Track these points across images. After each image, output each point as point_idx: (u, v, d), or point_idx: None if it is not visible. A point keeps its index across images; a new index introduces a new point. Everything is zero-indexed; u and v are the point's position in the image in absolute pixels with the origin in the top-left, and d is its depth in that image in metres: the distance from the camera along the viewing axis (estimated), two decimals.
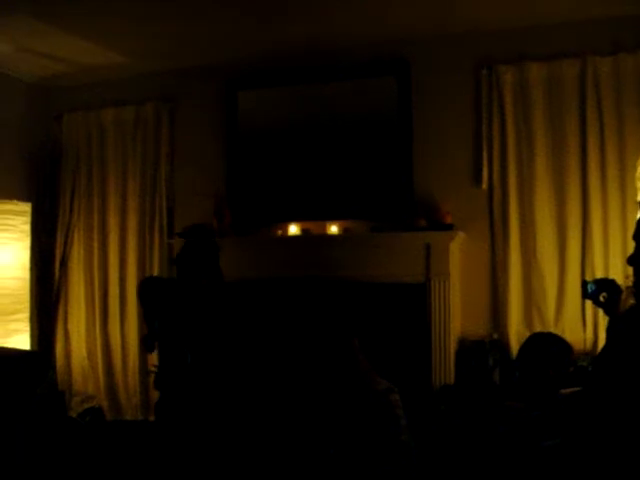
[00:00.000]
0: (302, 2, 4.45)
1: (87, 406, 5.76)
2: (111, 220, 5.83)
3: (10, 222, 5.30)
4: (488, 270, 4.86)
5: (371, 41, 5.02)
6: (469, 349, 4.75)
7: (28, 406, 4.49)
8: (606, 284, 2.92)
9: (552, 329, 4.49)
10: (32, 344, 5.52)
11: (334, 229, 5.15)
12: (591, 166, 4.56)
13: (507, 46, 4.79)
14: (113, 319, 5.81)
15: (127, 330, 5.73)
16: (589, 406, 2.04)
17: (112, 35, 4.99)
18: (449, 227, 4.75)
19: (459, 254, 4.90)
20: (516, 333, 4.68)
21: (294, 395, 4.46)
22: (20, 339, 5.30)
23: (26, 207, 5.45)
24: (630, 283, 2.18)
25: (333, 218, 5.17)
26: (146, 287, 4.25)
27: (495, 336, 4.72)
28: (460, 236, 4.81)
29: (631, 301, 2.43)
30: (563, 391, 3.12)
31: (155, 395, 5.10)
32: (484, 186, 4.84)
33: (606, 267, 4.47)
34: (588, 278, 4.19)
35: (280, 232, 5.30)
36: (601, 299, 2.90)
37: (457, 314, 4.85)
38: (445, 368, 4.73)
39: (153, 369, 4.29)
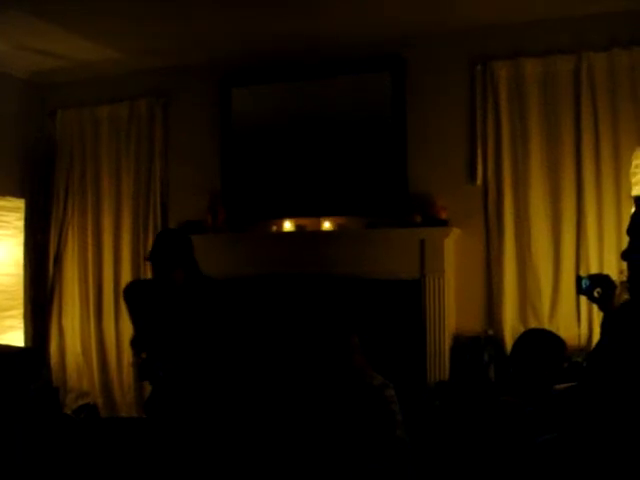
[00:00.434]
0: None
1: (82, 403, 5.76)
2: (105, 216, 5.83)
3: (4, 218, 5.31)
4: (483, 266, 4.85)
5: (366, 37, 5.01)
6: (464, 345, 4.75)
7: (22, 403, 4.48)
8: (600, 279, 2.92)
9: (547, 325, 4.50)
10: (26, 341, 5.53)
11: (328, 225, 5.14)
12: (586, 162, 4.56)
13: (502, 42, 4.79)
14: (107, 316, 5.80)
15: (122, 327, 5.71)
16: (583, 401, 2.04)
17: (107, 32, 4.97)
18: (444, 223, 4.75)
19: (454, 250, 4.90)
20: (511, 329, 4.68)
21: (289, 391, 4.46)
22: (14, 336, 5.31)
23: (20, 203, 5.45)
24: (624, 278, 2.18)
25: (328, 214, 5.17)
26: (131, 291, 4.25)
27: (490, 332, 4.72)
28: (455, 232, 4.81)
29: (625, 296, 2.43)
30: (557, 387, 3.12)
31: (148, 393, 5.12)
32: (479, 182, 4.84)
33: (601, 262, 4.48)
34: (583, 274, 4.19)
35: (275, 228, 5.29)
36: (595, 294, 2.89)
37: (452, 310, 4.85)
38: (440, 364, 4.73)
39: (134, 360, 4.29)
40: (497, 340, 4.70)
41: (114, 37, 5.09)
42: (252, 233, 5.37)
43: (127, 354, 5.70)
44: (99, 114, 5.88)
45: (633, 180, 3.86)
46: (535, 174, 4.69)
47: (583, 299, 4.24)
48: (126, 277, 5.67)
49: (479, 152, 4.83)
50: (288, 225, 5.24)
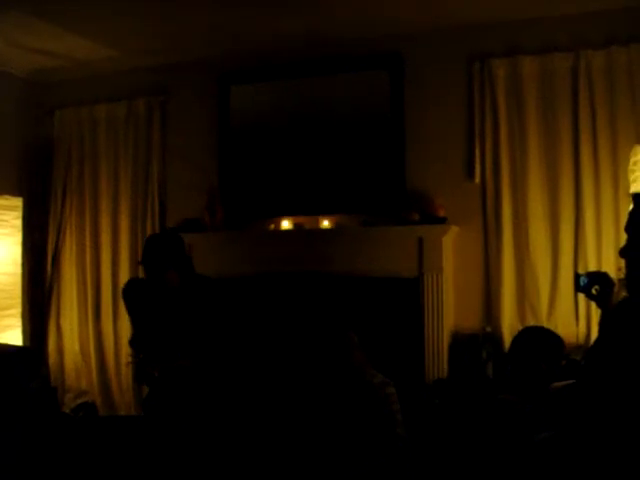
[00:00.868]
0: None
1: (80, 402, 5.74)
2: (103, 215, 5.82)
3: (2, 217, 5.32)
4: (481, 264, 4.85)
5: (364, 35, 5.01)
6: (462, 343, 4.76)
7: (21, 402, 4.48)
8: (598, 277, 2.92)
9: (545, 322, 4.50)
10: (24, 340, 5.52)
11: (326, 223, 5.14)
12: (584, 159, 4.56)
13: (499, 40, 4.79)
14: (106, 315, 5.80)
15: (120, 326, 5.71)
16: (581, 399, 2.04)
17: (105, 30, 4.97)
18: (442, 220, 4.74)
19: (452, 248, 4.90)
20: (509, 326, 4.68)
21: (289, 389, 4.46)
22: (12, 335, 5.31)
23: (18, 202, 5.45)
24: (622, 275, 2.18)
25: (325, 212, 5.16)
26: (129, 289, 4.24)
27: (488, 329, 4.72)
28: (453, 230, 4.80)
29: (623, 294, 2.43)
30: (555, 384, 3.12)
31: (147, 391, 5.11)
32: (477, 180, 4.83)
33: (599, 260, 4.47)
34: (581, 271, 4.19)
35: (272, 227, 5.29)
36: (593, 292, 2.90)
37: (450, 308, 4.85)
38: (438, 362, 4.73)
39: (130, 359, 4.28)
40: (495, 338, 4.69)
41: (112, 36, 5.09)
42: (250, 231, 5.37)
43: (125, 353, 5.68)
44: (97, 113, 5.87)
45: (631, 177, 3.86)
46: (533, 171, 4.69)
47: (581, 297, 4.25)
48: (124, 276, 5.66)
49: (477, 150, 4.83)
50: (286, 223, 5.24)
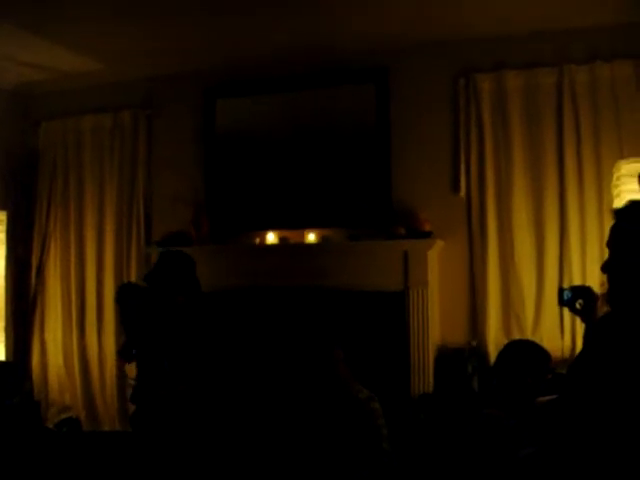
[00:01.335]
0: (281, 11, 4.45)
1: (64, 416, 5.69)
2: (88, 229, 5.79)
3: None
4: (466, 277, 4.86)
5: (350, 50, 5.02)
6: (448, 357, 4.75)
7: (3, 417, 4.44)
8: (582, 291, 2.92)
9: (530, 336, 4.50)
10: (7, 354, 5.47)
11: (312, 237, 5.13)
12: (568, 173, 4.58)
13: (485, 55, 4.82)
14: (90, 329, 5.75)
15: (104, 340, 5.68)
16: (563, 414, 2.04)
17: (91, 43, 4.97)
18: (427, 235, 4.75)
19: (438, 262, 4.90)
20: (494, 340, 4.68)
21: (275, 404, 4.44)
22: None
23: (1, 215, 5.42)
24: (605, 290, 2.19)
25: (311, 226, 5.16)
26: (124, 293, 4.20)
27: (474, 343, 4.72)
28: (438, 244, 4.81)
29: (605, 309, 2.44)
30: (540, 399, 3.12)
31: (133, 406, 5.08)
32: (462, 194, 4.85)
33: (584, 274, 4.49)
34: (566, 284, 4.21)
35: (258, 240, 5.27)
36: (577, 306, 2.90)
37: (436, 322, 4.85)
38: (424, 376, 4.72)
39: (132, 382, 4.23)
40: (481, 351, 4.70)
41: (99, 49, 5.09)
42: (235, 245, 5.35)
43: (110, 367, 5.66)
44: (83, 125, 5.85)
45: (614, 192, 3.88)
46: (518, 185, 4.71)
47: (566, 310, 4.23)
48: (109, 289, 5.64)
49: (462, 164, 4.85)
50: (272, 237, 5.22)
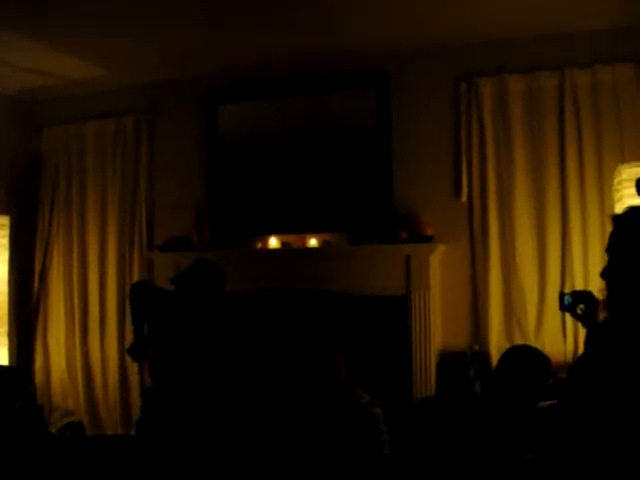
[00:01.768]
0: (283, 17, 4.45)
1: (67, 421, 5.70)
2: (90, 234, 5.81)
3: None
4: (468, 282, 4.85)
5: (351, 55, 5.02)
6: (450, 361, 4.75)
7: (5, 421, 4.44)
8: (583, 296, 2.91)
9: (532, 341, 4.49)
10: (10, 359, 5.48)
11: (314, 242, 5.14)
12: (570, 177, 4.57)
13: (486, 59, 4.81)
14: (93, 333, 5.77)
15: (107, 344, 5.69)
16: (562, 419, 2.04)
17: (93, 49, 4.97)
18: (429, 239, 4.74)
19: (439, 266, 4.90)
20: (497, 344, 4.67)
21: (275, 410, 4.44)
22: None
23: (4, 220, 5.43)
24: (604, 297, 2.18)
25: (313, 231, 5.16)
26: (139, 290, 4.20)
27: (476, 348, 4.72)
28: (440, 248, 4.81)
29: (603, 315, 2.43)
30: (542, 404, 3.12)
31: (136, 410, 5.09)
32: (464, 198, 4.84)
33: (586, 278, 4.48)
34: (568, 289, 4.21)
35: (260, 245, 5.28)
36: (578, 311, 2.89)
37: (438, 326, 4.84)
38: (426, 380, 4.71)
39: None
40: (483, 355, 4.69)
41: (101, 55, 5.10)
42: (237, 250, 5.36)
43: (113, 371, 5.67)
44: (85, 130, 5.86)
45: (616, 196, 3.87)
46: (520, 189, 4.70)
47: (569, 314, 4.24)
48: (111, 294, 5.67)
49: (464, 168, 4.84)
50: (273, 242, 5.23)
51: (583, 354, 2.24)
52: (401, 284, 4.76)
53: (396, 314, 4.77)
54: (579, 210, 4.55)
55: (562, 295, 3.01)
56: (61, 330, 5.87)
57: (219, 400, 4.16)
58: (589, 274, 4.47)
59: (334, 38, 4.78)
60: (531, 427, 2.98)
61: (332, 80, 5.16)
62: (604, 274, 2.14)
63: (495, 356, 4.58)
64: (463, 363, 4.64)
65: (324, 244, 5.10)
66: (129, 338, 5.08)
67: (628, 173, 3.71)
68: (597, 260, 4.42)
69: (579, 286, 4.35)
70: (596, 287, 3.82)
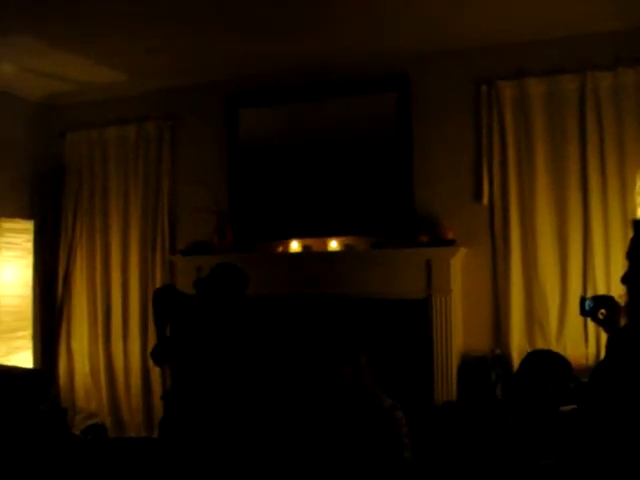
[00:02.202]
0: (302, 21, 4.47)
1: (90, 423, 5.75)
2: (113, 238, 5.86)
3: (13, 240, 5.36)
4: (490, 285, 4.84)
5: (372, 58, 5.04)
6: (471, 365, 4.73)
7: (30, 424, 4.50)
8: (604, 301, 2.90)
9: (554, 345, 4.48)
10: (35, 361, 5.55)
11: (335, 245, 5.14)
12: (592, 181, 4.54)
13: (507, 62, 4.80)
14: (116, 336, 5.81)
15: (130, 347, 5.74)
16: (582, 425, 2.04)
17: (114, 54, 5.01)
18: (450, 243, 4.74)
19: (460, 269, 4.89)
20: (518, 348, 4.65)
21: (298, 412, 4.46)
22: (23, 356, 5.33)
23: (29, 225, 5.50)
24: (624, 302, 2.17)
25: (334, 234, 5.17)
26: (162, 295, 4.24)
27: (497, 351, 4.70)
28: (461, 252, 4.80)
29: (624, 320, 2.42)
30: (563, 408, 3.11)
31: (158, 413, 5.13)
32: (485, 201, 4.83)
33: (608, 283, 4.44)
34: (590, 293, 4.18)
35: (281, 248, 5.30)
36: (600, 316, 2.88)
37: (459, 330, 4.84)
38: (447, 384, 4.71)
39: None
40: (504, 359, 4.67)
41: (121, 59, 5.14)
42: (259, 254, 5.37)
43: (135, 374, 5.71)
44: (107, 136, 5.92)
45: (637, 201, 3.84)
46: (541, 193, 4.68)
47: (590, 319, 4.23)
48: (134, 297, 5.71)
49: (485, 171, 4.82)
50: (295, 245, 5.25)
51: (604, 359, 2.23)
52: (422, 288, 4.75)
53: (417, 318, 4.76)
54: (601, 215, 4.51)
55: (583, 300, 3.00)
56: (84, 333, 5.93)
57: (241, 402, 4.18)
58: (611, 279, 4.43)
59: (356, 42, 4.79)
60: (552, 431, 2.97)
61: (352, 83, 5.17)
62: (625, 279, 2.13)
63: (516, 360, 4.57)
64: (484, 367, 4.62)
65: (345, 248, 5.11)
66: (152, 341, 5.11)
67: None
68: (619, 266, 4.37)
69: (601, 291, 4.31)
70: (618, 293, 3.82)
